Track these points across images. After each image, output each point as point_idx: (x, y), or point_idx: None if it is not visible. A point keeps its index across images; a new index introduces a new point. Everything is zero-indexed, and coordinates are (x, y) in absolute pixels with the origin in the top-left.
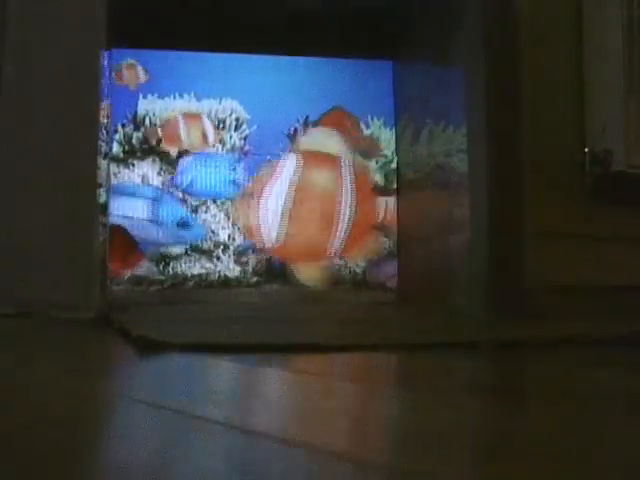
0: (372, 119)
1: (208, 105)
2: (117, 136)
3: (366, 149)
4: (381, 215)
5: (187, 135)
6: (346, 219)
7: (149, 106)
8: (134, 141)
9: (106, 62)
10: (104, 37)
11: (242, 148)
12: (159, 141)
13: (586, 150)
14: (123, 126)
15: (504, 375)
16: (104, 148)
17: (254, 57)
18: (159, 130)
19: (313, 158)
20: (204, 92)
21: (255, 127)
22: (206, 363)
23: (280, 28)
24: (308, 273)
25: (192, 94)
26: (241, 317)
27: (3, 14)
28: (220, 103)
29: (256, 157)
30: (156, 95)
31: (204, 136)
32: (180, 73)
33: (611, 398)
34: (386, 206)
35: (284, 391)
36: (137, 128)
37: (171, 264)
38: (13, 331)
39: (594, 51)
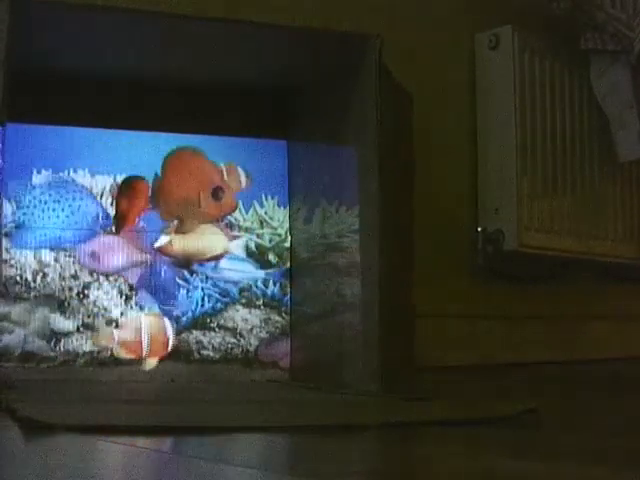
0: (266, 198)
1: (102, 181)
2: None
3: None
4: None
5: None
6: None
7: (43, 181)
8: None
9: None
10: None
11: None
12: None
13: (479, 229)
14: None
15: (387, 458)
16: None
17: (149, 134)
18: None
19: None
20: (98, 168)
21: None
22: (91, 446)
23: (173, 105)
24: None
25: (86, 170)
26: (131, 397)
27: None
28: (115, 180)
29: (150, 235)
30: (50, 170)
31: None
32: (74, 149)
33: None
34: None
35: (162, 474)
36: None
37: (62, 341)
38: None
39: (488, 133)
